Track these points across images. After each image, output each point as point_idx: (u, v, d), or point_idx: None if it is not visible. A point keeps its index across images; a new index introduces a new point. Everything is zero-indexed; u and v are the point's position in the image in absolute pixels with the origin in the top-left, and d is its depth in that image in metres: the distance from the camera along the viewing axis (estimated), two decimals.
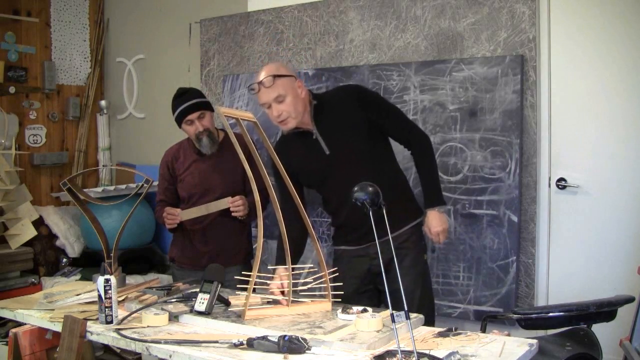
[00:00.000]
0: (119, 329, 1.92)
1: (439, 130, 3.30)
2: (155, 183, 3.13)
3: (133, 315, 2.05)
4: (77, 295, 2.40)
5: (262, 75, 2.42)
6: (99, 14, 4.99)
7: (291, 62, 3.83)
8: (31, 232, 4.26)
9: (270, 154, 2.14)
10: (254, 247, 3.17)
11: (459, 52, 3.32)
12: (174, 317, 2.05)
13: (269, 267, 2.28)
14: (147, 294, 2.27)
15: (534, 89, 3.13)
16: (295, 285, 2.17)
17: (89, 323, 1.99)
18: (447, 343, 1.78)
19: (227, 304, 2.17)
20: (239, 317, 2.02)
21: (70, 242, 4.42)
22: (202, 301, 2.03)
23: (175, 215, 2.97)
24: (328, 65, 3.74)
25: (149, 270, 4.35)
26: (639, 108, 2.98)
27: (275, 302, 2.16)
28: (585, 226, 3.12)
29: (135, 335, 1.86)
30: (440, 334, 1.88)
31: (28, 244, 4.30)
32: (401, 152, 2.70)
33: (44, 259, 4.42)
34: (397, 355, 1.60)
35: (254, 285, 2.05)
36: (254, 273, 2.01)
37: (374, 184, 1.90)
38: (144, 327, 1.96)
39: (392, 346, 1.73)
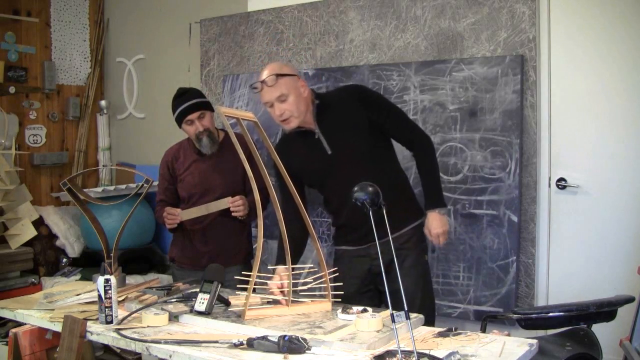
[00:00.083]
0: (119, 329, 1.92)
1: (439, 130, 3.30)
2: (155, 183, 3.13)
3: (133, 315, 2.05)
4: (77, 295, 2.40)
5: (265, 74, 2.42)
6: (99, 14, 4.99)
7: (291, 62, 3.83)
8: (31, 232, 4.26)
9: (270, 153, 2.14)
10: (254, 247, 3.17)
11: (459, 52, 3.32)
12: (174, 317, 2.05)
13: (269, 267, 2.28)
14: (147, 294, 2.27)
15: (534, 89, 3.13)
16: (295, 285, 2.17)
17: (89, 323, 1.99)
18: (447, 343, 1.78)
19: (227, 304, 2.17)
20: (239, 317, 2.02)
21: (70, 242, 4.42)
22: (202, 301, 2.02)
23: (176, 215, 2.97)
24: (328, 65, 3.74)
25: (149, 270, 4.35)
26: (639, 108, 2.98)
27: (275, 302, 2.16)
28: (585, 226, 3.12)
29: (135, 335, 1.86)
30: (440, 334, 1.88)
31: (28, 244, 4.30)
32: (401, 152, 2.70)
33: (44, 259, 4.42)
34: (397, 355, 1.60)
35: (254, 285, 2.05)
36: (254, 273, 2.01)
37: (374, 184, 1.90)
38: (144, 327, 1.96)
39: (392, 346, 1.73)
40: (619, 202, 3.03)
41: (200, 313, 2.01)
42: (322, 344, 1.76)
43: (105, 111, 4.99)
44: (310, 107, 2.51)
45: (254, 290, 2.11)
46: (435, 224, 2.52)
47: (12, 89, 4.47)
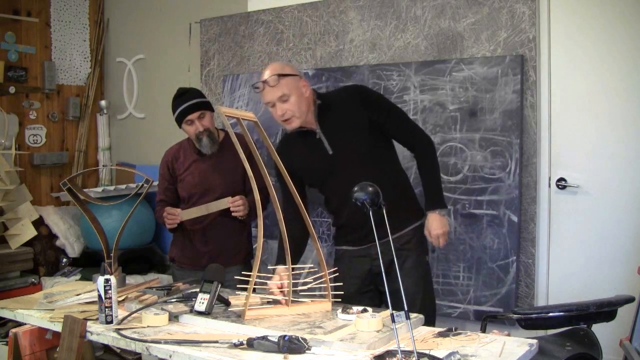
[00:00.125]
0: (119, 329, 1.92)
1: (439, 130, 3.30)
2: (155, 183, 3.13)
3: (133, 315, 2.05)
4: (77, 295, 2.40)
5: (267, 74, 2.42)
6: (99, 14, 4.99)
7: (291, 62, 3.83)
8: (31, 232, 4.26)
9: (270, 153, 2.14)
10: (254, 247, 3.17)
11: (459, 52, 3.32)
12: (174, 317, 2.05)
13: (269, 267, 2.28)
14: (147, 294, 2.27)
15: (534, 89, 3.13)
16: (295, 285, 2.17)
17: (89, 323, 1.99)
18: (447, 343, 1.78)
19: (227, 304, 2.17)
20: (239, 317, 2.02)
21: (70, 242, 4.42)
22: (202, 301, 2.03)
23: (176, 215, 2.97)
24: (328, 65, 3.74)
25: (149, 270, 4.35)
26: (639, 108, 2.98)
27: (275, 302, 2.16)
28: (585, 226, 3.12)
29: (135, 335, 1.86)
30: (440, 334, 1.88)
31: (28, 244, 4.30)
32: (401, 152, 2.70)
33: (44, 259, 4.42)
34: (397, 355, 1.60)
35: (254, 285, 2.05)
36: (254, 273, 2.01)
37: (374, 184, 1.90)
38: (144, 327, 1.96)
39: (392, 346, 1.73)
40: (619, 202, 3.03)
41: (200, 313, 2.01)
42: (322, 344, 1.76)
43: (105, 111, 4.99)
44: (311, 108, 2.51)
45: (254, 290, 2.11)
46: (436, 224, 2.52)
47: (12, 89, 4.47)
